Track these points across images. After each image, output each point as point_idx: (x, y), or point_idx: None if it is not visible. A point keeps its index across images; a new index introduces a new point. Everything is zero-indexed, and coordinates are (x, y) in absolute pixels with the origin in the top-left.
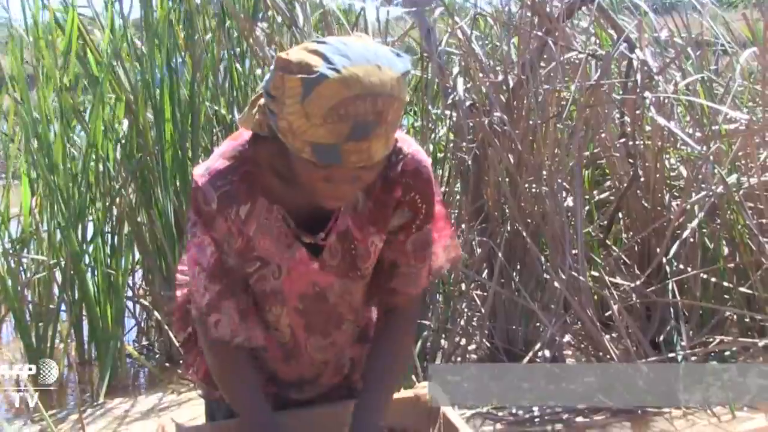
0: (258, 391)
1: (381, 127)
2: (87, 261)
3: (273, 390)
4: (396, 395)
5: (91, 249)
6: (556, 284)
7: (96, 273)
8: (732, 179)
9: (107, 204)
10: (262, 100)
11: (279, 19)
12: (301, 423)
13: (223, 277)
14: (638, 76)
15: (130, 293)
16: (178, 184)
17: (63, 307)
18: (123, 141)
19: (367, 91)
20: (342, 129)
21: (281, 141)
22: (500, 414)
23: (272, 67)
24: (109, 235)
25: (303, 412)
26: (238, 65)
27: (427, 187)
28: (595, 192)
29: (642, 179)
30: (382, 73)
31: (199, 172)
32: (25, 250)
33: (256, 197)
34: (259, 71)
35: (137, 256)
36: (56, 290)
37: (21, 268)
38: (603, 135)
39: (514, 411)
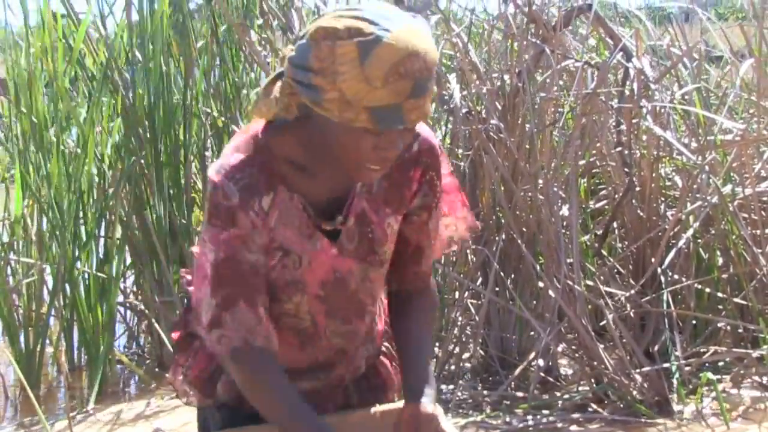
0: (296, 394)
1: (431, 82)
2: (79, 265)
3: None
4: (387, 405)
5: (82, 253)
6: (550, 293)
7: (87, 277)
8: (727, 189)
9: (100, 207)
10: (278, 84)
11: (275, 23)
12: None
13: (226, 285)
14: (635, 85)
15: (120, 298)
16: (171, 187)
17: (53, 312)
18: (117, 144)
19: (418, 48)
20: (404, 87)
21: (298, 129)
22: (494, 423)
23: (304, 41)
24: (102, 239)
25: (336, 416)
26: (230, 70)
27: (439, 164)
28: (590, 201)
29: (637, 189)
30: (422, 31)
31: (215, 170)
32: (14, 254)
33: (276, 187)
34: (252, 75)
35: (128, 260)
36: (46, 294)
37: (8, 271)
38: (599, 144)
39: (507, 420)
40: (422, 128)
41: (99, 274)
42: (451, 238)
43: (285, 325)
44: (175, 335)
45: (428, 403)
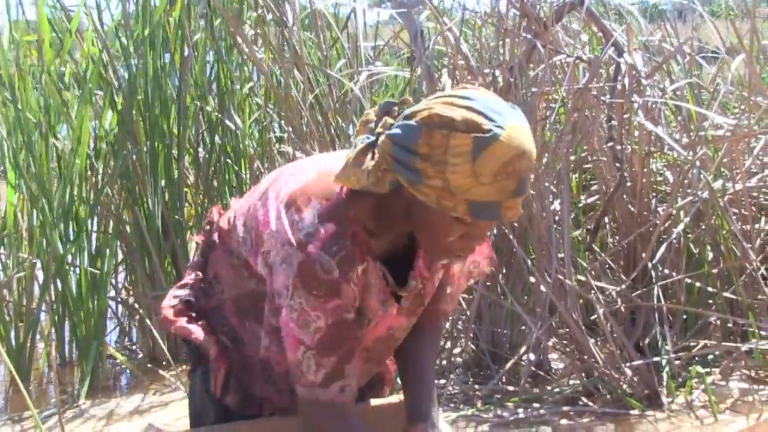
0: None
1: (531, 180)
2: (69, 260)
3: (285, 403)
4: (382, 401)
5: (74, 248)
6: (542, 287)
7: (78, 272)
8: (717, 185)
9: (92, 202)
10: (369, 157)
11: (269, 16)
12: None
13: (338, 347)
14: (626, 81)
15: (112, 293)
16: (163, 182)
17: (43, 307)
18: (109, 138)
19: (525, 146)
20: (509, 186)
21: (376, 196)
22: (485, 416)
23: (414, 123)
24: (94, 234)
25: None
26: (224, 64)
27: None
28: (582, 196)
29: (629, 184)
30: (527, 127)
31: (301, 240)
32: (4, 249)
33: (366, 257)
34: (246, 69)
35: (120, 255)
36: (37, 289)
37: None
38: (590, 139)
39: (498, 413)
40: None
41: (90, 268)
42: (471, 272)
43: None
44: (182, 308)
45: (432, 427)
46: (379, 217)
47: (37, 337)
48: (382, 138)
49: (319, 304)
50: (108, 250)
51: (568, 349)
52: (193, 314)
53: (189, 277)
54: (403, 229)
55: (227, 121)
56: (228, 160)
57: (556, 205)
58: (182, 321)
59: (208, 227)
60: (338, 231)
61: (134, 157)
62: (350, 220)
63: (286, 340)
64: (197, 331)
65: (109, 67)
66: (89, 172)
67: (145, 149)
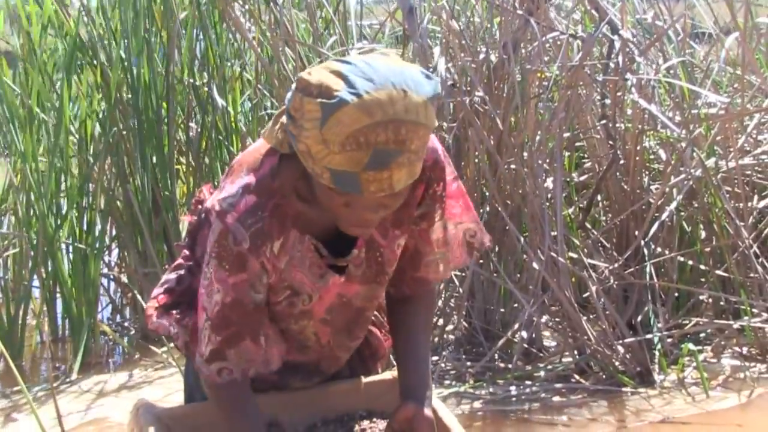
0: (261, 426)
1: (403, 156)
2: (60, 236)
3: (275, 379)
4: (374, 377)
5: (65, 224)
6: (534, 265)
7: (70, 249)
8: (710, 163)
9: (83, 179)
10: (284, 118)
11: None
12: (311, 399)
13: (226, 328)
14: (620, 58)
15: (105, 270)
16: (155, 159)
17: (35, 283)
18: (99, 114)
19: (389, 117)
20: (360, 157)
21: (301, 164)
22: (477, 393)
23: (293, 86)
24: (85, 211)
25: (311, 391)
26: (213, 38)
27: (443, 174)
28: (574, 174)
29: (622, 162)
30: (408, 99)
31: (222, 209)
32: None
33: (288, 231)
34: (235, 45)
35: (113, 232)
36: (29, 266)
37: None
38: (584, 117)
39: (491, 390)
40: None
41: (80, 245)
42: (472, 245)
43: (290, 338)
44: (163, 298)
45: (427, 407)
46: (308, 182)
47: (30, 314)
48: None
49: (224, 277)
50: (99, 227)
51: (560, 327)
52: (170, 303)
53: (181, 258)
54: None
55: (217, 97)
56: (219, 138)
57: (549, 182)
58: (154, 317)
59: (198, 206)
60: (258, 203)
61: (123, 133)
62: (274, 192)
63: (199, 302)
64: (168, 326)
65: (98, 43)
66: (77, 148)
67: (133, 125)
